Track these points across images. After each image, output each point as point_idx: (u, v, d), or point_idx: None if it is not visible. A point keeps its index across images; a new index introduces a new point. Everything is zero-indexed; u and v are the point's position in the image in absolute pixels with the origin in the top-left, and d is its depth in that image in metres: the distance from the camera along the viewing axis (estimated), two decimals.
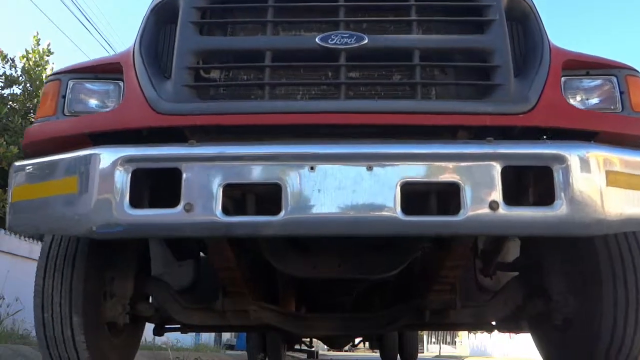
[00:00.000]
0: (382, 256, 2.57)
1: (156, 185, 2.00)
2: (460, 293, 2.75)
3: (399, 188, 1.81)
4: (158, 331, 3.11)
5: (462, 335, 44.69)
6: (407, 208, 1.80)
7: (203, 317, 2.83)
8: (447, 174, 1.84)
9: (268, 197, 1.87)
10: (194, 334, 19.38)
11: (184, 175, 1.83)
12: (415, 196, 1.87)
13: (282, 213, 1.80)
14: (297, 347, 11.64)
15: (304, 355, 14.87)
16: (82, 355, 2.33)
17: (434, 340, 50.34)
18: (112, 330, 2.64)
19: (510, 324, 3.04)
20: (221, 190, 1.82)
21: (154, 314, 2.85)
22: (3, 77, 10.19)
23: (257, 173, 1.85)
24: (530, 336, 3.15)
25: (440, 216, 1.90)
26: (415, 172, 1.84)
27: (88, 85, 2.18)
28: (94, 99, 2.17)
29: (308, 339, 11.06)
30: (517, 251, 2.91)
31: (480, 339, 39.68)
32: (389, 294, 3.52)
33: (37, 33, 10.82)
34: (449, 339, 50.16)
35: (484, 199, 1.80)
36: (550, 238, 2.42)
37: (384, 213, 1.81)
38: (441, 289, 2.66)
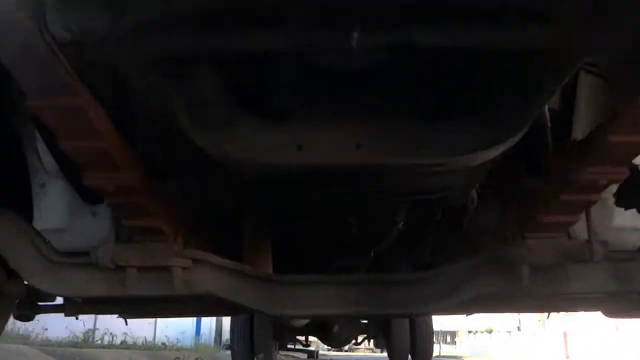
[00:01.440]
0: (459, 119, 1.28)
1: None
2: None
3: None
4: (21, 312, 1.78)
5: (462, 335, 43.35)
6: None
7: (83, 284, 1.45)
8: None
9: None
10: (193, 334, 17.69)
11: None
12: None
13: None
14: (291, 346, 10.12)
15: (304, 356, 13.88)
16: None
17: (433, 340, 49.17)
18: None
19: None
20: None
21: (5, 283, 1.51)
22: None
23: None
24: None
25: None
26: None
27: None
28: None
29: (303, 337, 9.40)
30: None
31: (480, 339, 38.35)
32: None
33: None
34: (448, 339, 48.68)
35: None
36: None
37: None
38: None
